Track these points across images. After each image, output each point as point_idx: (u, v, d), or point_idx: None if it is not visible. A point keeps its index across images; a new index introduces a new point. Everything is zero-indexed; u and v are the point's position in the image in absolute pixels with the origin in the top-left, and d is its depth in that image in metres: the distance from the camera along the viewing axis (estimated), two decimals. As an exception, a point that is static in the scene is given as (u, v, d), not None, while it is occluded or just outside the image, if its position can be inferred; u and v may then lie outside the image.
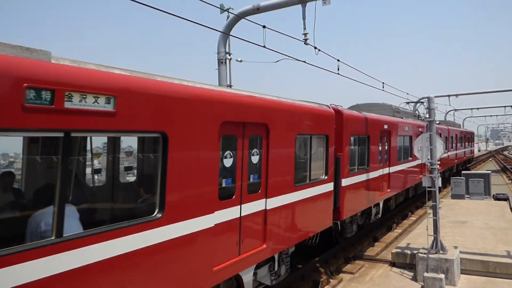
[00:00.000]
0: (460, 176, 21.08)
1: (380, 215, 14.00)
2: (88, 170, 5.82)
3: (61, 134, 3.89)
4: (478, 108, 47.40)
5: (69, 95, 3.84)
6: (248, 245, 6.66)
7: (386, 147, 14.26)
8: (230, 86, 11.40)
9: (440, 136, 20.81)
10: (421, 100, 22.35)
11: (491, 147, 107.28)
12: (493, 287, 9.23)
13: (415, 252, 10.01)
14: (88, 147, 5.39)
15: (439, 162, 10.55)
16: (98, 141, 5.80)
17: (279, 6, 10.86)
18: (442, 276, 9.03)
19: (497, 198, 20.21)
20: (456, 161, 30.96)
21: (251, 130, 6.74)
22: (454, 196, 20.05)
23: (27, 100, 3.53)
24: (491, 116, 61.09)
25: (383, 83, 19.07)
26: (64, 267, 3.81)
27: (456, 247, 10.34)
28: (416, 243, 11.34)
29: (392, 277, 10.01)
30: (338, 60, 12.47)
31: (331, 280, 10.03)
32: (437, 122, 26.06)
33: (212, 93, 5.89)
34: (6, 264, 3.38)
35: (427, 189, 10.14)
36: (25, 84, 3.52)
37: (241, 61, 12.23)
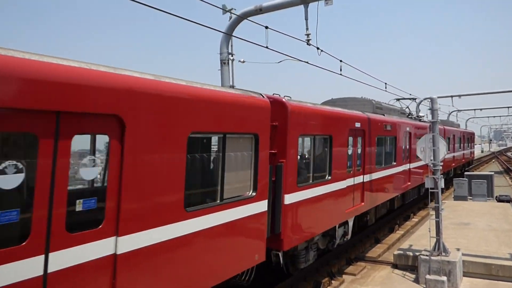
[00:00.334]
0: (463, 178, 21.00)
1: (349, 236, 11.09)
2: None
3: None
4: (481, 109, 47.19)
5: None
6: None
7: (360, 150, 11.55)
8: (232, 87, 11.39)
9: None
10: (414, 97, 21.05)
11: (494, 148, 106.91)
12: (496, 289, 9.19)
13: (417, 254, 9.97)
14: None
15: (442, 163, 10.50)
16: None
17: (281, 7, 10.83)
18: (445, 278, 8.99)
19: (500, 199, 20.15)
20: (453, 164, 28.34)
21: (80, 124, 4.26)
22: (457, 198, 19.99)
23: None
24: (494, 117, 60.87)
25: (385, 83, 19.03)
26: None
27: (458, 249, 10.30)
28: (418, 245, 11.31)
29: (394, 279, 9.97)
30: (341, 61, 12.44)
31: (332, 281, 10.00)
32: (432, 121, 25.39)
33: None
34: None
35: (430, 190, 10.10)
36: None
37: (243, 61, 12.20)
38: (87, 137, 5.07)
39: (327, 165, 9.70)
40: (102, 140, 4.92)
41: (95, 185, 5.42)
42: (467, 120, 64.00)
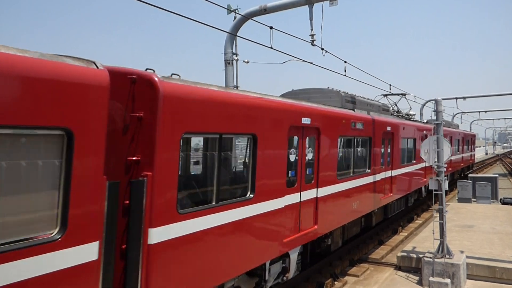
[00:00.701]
0: (468, 180, 20.92)
1: (291, 275, 8.24)
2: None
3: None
4: (486, 111, 47.05)
5: None
6: None
7: (311, 155, 8.69)
8: (237, 87, 11.39)
9: (420, 140, 17.39)
10: (403, 93, 18.71)
11: (499, 150, 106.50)
12: (500, 292, 9.14)
13: (421, 256, 9.93)
14: None
15: (446, 165, 10.46)
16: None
17: (286, 7, 10.84)
18: (448, 281, 8.95)
19: (504, 202, 20.06)
20: (450, 168, 25.09)
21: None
22: (461, 200, 19.90)
23: None
24: (499, 119, 60.64)
25: (390, 85, 18.99)
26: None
27: (462, 252, 10.24)
28: (422, 247, 11.26)
29: (397, 281, 9.93)
30: (345, 62, 12.43)
31: (335, 282, 9.99)
32: (425, 121, 22.54)
33: None
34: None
35: (434, 192, 10.07)
36: None
37: (248, 62, 12.22)
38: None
39: (249, 177, 6.75)
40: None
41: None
42: (472, 122, 63.82)
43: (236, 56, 11.42)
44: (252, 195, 6.69)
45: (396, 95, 18.47)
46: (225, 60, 11.20)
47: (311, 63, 11.28)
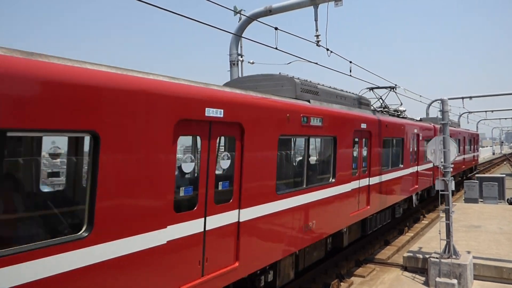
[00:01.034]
0: (474, 180, 20.81)
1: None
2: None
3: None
4: (492, 111, 46.71)
5: None
6: None
7: (228, 164, 6.35)
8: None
9: (411, 140, 15.31)
10: (392, 85, 15.73)
11: (506, 150, 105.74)
12: (507, 293, 9.09)
13: (427, 256, 9.90)
14: None
15: (452, 165, 10.41)
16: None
17: (291, 8, 10.86)
18: (455, 281, 8.91)
19: (511, 202, 19.91)
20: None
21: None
22: (467, 200, 19.79)
23: None
24: (506, 118, 60.16)
25: (395, 85, 18.91)
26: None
27: (469, 252, 10.20)
28: (428, 247, 11.22)
29: (403, 281, 9.90)
30: (350, 62, 12.41)
31: (341, 283, 9.98)
32: (417, 119, 19.19)
33: None
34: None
35: (440, 192, 10.03)
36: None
37: (253, 63, 12.26)
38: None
39: (88, 200, 4.26)
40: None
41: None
42: (478, 122, 63.39)
43: (241, 57, 11.46)
44: (86, 234, 4.20)
45: (383, 88, 15.60)
46: (230, 61, 11.24)
47: (316, 63, 11.28)
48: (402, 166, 14.33)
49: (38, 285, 3.76)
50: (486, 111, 46.76)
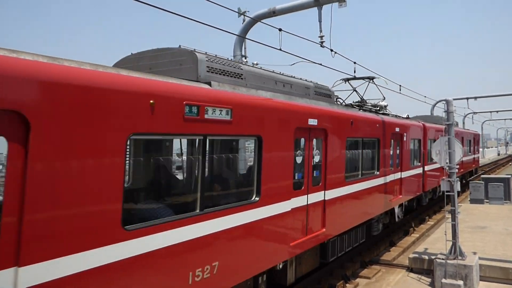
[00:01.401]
0: (480, 181, 20.70)
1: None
2: None
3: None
4: (497, 111, 46.53)
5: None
6: None
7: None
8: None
9: (389, 141, 12.32)
10: (372, 76, 13.43)
11: (511, 150, 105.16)
12: (514, 294, 9.03)
13: (433, 257, 9.85)
14: None
15: (458, 166, 10.35)
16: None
17: (295, 9, 10.88)
18: (461, 282, 8.87)
19: (517, 203, 19.78)
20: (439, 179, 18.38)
21: None
22: (473, 201, 19.70)
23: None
24: (511, 119, 59.90)
25: (400, 85, 18.89)
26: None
27: (475, 253, 10.15)
28: (434, 248, 11.17)
29: (409, 282, 9.87)
30: (355, 63, 12.40)
31: (347, 284, 9.95)
32: (404, 116, 15.78)
33: None
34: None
35: (446, 193, 9.99)
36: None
37: (257, 64, 12.27)
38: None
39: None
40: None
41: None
42: (483, 122, 63.10)
43: (245, 58, 11.47)
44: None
45: (360, 79, 13.26)
46: (234, 63, 11.24)
47: (321, 64, 11.28)
48: (377, 173, 11.49)
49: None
50: (491, 112, 46.56)
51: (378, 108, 13.25)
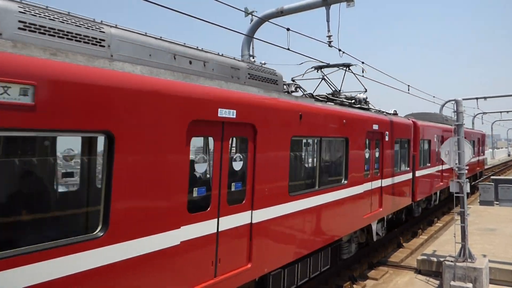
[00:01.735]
0: (490, 182, 20.46)
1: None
2: None
3: None
4: (507, 111, 46.01)
5: None
6: None
7: None
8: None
9: (353, 145, 9.40)
10: (348, 64, 10.88)
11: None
12: (525, 298, 8.91)
13: (442, 259, 9.74)
14: None
15: (467, 167, 10.21)
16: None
17: (303, 9, 10.81)
18: (470, 285, 8.76)
19: (528, 205, 19.53)
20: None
21: None
22: (483, 203, 19.48)
23: None
24: (521, 119, 59.25)
25: (408, 85, 18.76)
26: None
27: (485, 256, 10.02)
28: (443, 250, 11.06)
29: (417, 284, 9.77)
30: (363, 63, 12.31)
31: (354, 285, 9.89)
32: (392, 112, 13.63)
33: None
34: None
35: (455, 194, 9.88)
36: None
37: (265, 63, 12.23)
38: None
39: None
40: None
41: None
42: (493, 123, 62.44)
43: (253, 58, 11.44)
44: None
45: (334, 66, 10.95)
46: (242, 62, 11.22)
47: (328, 64, 11.21)
48: (345, 182, 9.17)
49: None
50: (501, 112, 46.04)
51: (353, 101, 10.78)
